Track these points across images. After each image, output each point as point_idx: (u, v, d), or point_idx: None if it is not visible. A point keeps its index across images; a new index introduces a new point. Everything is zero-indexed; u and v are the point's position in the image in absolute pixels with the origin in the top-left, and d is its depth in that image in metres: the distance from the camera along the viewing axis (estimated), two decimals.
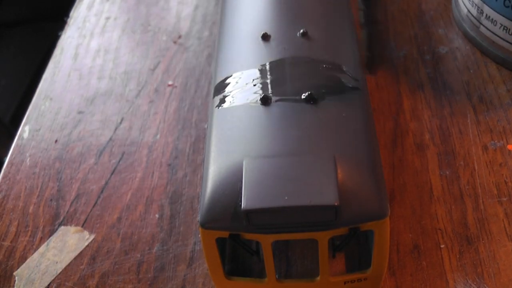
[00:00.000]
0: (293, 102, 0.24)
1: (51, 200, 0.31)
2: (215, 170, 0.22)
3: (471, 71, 0.35)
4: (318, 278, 0.23)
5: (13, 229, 0.30)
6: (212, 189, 0.22)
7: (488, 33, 0.35)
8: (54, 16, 0.54)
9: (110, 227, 0.30)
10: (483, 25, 0.35)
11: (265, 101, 0.24)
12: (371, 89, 0.35)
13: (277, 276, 0.23)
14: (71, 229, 0.30)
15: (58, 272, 0.28)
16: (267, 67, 0.26)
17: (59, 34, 0.42)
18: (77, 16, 0.43)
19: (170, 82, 0.37)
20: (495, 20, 0.34)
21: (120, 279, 0.27)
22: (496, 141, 0.31)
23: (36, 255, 0.29)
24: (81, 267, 0.28)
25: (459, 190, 0.29)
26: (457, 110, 0.33)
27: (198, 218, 0.22)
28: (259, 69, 0.26)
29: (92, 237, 0.29)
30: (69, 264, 0.28)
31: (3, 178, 0.33)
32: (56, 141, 0.34)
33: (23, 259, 0.29)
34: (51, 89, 0.38)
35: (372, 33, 0.32)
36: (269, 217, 0.21)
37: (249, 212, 0.21)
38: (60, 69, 0.39)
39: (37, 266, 0.28)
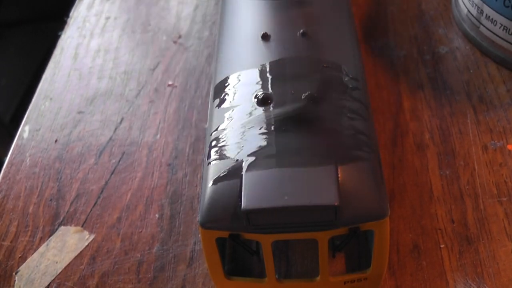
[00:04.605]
0: (293, 102, 0.24)
1: (51, 200, 0.31)
2: (215, 170, 0.22)
3: (471, 71, 0.35)
4: (318, 278, 0.23)
5: (13, 229, 0.30)
6: (212, 189, 0.22)
7: (488, 33, 0.35)
8: (54, 16, 0.54)
9: (110, 227, 0.30)
10: (483, 25, 0.35)
11: (265, 101, 0.24)
12: (371, 89, 0.35)
13: (277, 276, 0.23)
14: (71, 229, 0.30)
15: (58, 272, 0.28)
16: (267, 67, 0.26)
17: (59, 34, 0.42)
18: (77, 16, 0.43)
19: (170, 82, 0.37)
20: (495, 20, 0.34)
21: (120, 279, 0.27)
22: (496, 141, 0.31)
23: (36, 255, 0.29)
24: (81, 267, 0.28)
25: (459, 190, 0.29)
26: (457, 110, 0.33)
27: (198, 218, 0.22)
28: (259, 69, 0.26)
29: (92, 237, 0.29)
30: (69, 264, 0.28)
31: (3, 178, 0.33)
32: (56, 141, 0.34)
33: (23, 259, 0.29)
34: (51, 89, 0.38)
35: None
36: (269, 217, 0.21)
37: (249, 212, 0.21)
38: (60, 69, 0.39)
39: (37, 266, 0.28)
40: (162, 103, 0.36)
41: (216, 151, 0.23)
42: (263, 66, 0.26)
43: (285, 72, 0.25)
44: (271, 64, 0.26)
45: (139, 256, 0.28)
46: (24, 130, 0.35)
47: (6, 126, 0.75)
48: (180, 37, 0.40)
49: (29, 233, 0.30)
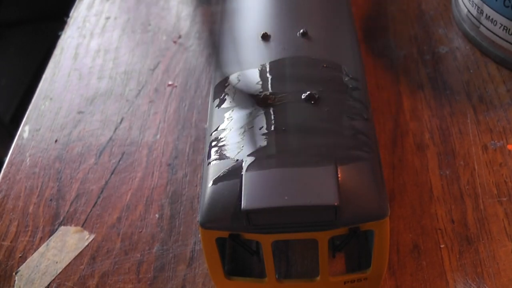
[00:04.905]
0: (293, 102, 0.24)
1: (51, 200, 0.31)
2: (215, 170, 0.22)
3: (471, 71, 0.35)
4: (318, 278, 0.23)
5: (13, 229, 0.30)
6: (212, 189, 0.22)
7: (488, 33, 0.35)
8: (54, 16, 0.54)
9: (110, 227, 0.30)
10: (483, 25, 0.35)
11: (265, 101, 0.24)
12: (371, 89, 0.35)
13: (277, 276, 0.23)
14: (71, 229, 0.30)
15: (58, 272, 0.28)
16: (267, 67, 0.26)
17: (59, 34, 0.42)
18: (77, 16, 0.43)
19: (170, 82, 0.37)
20: (495, 20, 0.34)
21: (120, 279, 0.27)
22: (496, 141, 0.31)
23: (36, 255, 0.29)
24: (81, 267, 0.28)
25: (459, 190, 0.29)
26: (457, 110, 0.33)
27: (198, 218, 0.22)
28: (259, 69, 0.26)
29: (92, 237, 0.29)
30: (69, 264, 0.28)
31: (3, 178, 0.33)
32: (56, 141, 0.34)
33: (23, 259, 0.29)
34: (51, 89, 0.38)
35: None
36: (269, 217, 0.21)
37: (249, 212, 0.21)
38: (60, 69, 0.39)
39: (37, 266, 0.28)
40: (162, 103, 0.36)
41: (216, 151, 0.23)
42: (263, 66, 0.26)
43: (285, 72, 0.25)
44: (271, 64, 0.26)
45: (139, 256, 0.28)
46: (24, 130, 0.35)
47: (6, 126, 0.75)
48: (180, 37, 0.40)
49: (29, 233, 0.30)
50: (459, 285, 0.26)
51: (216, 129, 0.24)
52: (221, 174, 0.22)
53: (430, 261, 0.27)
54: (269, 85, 0.25)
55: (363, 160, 0.22)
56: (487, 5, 0.34)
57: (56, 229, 0.30)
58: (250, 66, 0.26)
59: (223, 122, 0.24)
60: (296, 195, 0.21)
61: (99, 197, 0.31)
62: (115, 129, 0.35)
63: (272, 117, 0.23)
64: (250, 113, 0.24)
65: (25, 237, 0.30)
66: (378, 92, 0.35)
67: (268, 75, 0.25)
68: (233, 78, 0.26)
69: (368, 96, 0.26)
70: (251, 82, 0.25)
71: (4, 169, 0.33)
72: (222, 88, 0.26)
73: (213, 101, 0.26)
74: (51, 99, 0.37)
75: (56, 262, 0.28)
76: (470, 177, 0.30)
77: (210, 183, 0.22)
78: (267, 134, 0.23)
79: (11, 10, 0.89)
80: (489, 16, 0.34)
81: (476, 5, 0.35)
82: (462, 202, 0.29)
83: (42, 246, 0.29)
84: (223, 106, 0.25)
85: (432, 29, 0.39)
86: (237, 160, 0.22)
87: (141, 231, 0.29)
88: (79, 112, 0.36)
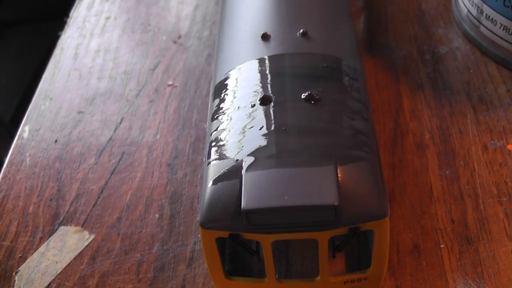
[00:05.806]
0: (293, 102, 0.24)
1: (51, 200, 0.31)
2: (215, 170, 0.22)
3: (471, 71, 0.35)
4: (318, 278, 0.23)
5: (13, 229, 0.30)
6: (212, 189, 0.22)
7: (488, 33, 0.35)
8: (54, 16, 0.54)
9: (110, 227, 0.30)
10: (483, 25, 0.35)
11: (264, 101, 0.24)
12: (371, 89, 0.35)
13: (277, 276, 0.23)
14: (71, 229, 0.30)
15: (58, 272, 0.28)
16: (267, 67, 0.26)
17: (59, 34, 0.42)
18: (77, 16, 0.43)
19: (170, 82, 0.37)
20: (495, 20, 0.34)
21: (120, 279, 0.27)
22: (496, 141, 0.31)
23: (36, 255, 0.29)
24: (81, 267, 0.28)
25: (459, 190, 0.29)
26: (457, 110, 0.33)
27: (198, 218, 0.22)
28: (258, 69, 0.26)
29: (92, 237, 0.29)
30: (69, 264, 0.28)
31: (3, 178, 0.33)
32: (56, 141, 0.34)
33: (23, 259, 0.29)
34: (51, 89, 0.38)
35: (370, 17, 0.39)
36: (269, 217, 0.21)
37: (249, 212, 0.21)
38: (60, 69, 0.39)
39: (37, 266, 0.28)
40: (162, 103, 0.36)
41: (216, 151, 0.23)
42: (263, 66, 0.26)
43: (285, 72, 0.25)
44: (271, 64, 0.26)
45: (139, 256, 0.28)
46: (24, 130, 0.35)
47: (6, 126, 0.75)
48: (180, 37, 0.40)
49: (29, 233, 0.30)
50: (459, 285, 0.26)
51: (216, 129, 0.24)
52: (221, 174, 0.22)
53: (430, 261, 0.27)
54: (269, 85, 0.25)
55: (363, 160, 0.22)
56: (487, 5, 0.34)
57: (56, 229, 0.30)
58: (250, 66, 0.26)
59: (223, 122, 0.24)
60: (296, 195, 0.21)
61: (99, 197, 0.31)
62: (115, 129, 0.35)
63: (272, 117, 0.23)
64: (250, 113, 0.24)
65: (25, 237, 0.30)
66: (378, 92, 0.35)
67: (268, 75, 0.25)
68: (233, 78, 0.26)
69: (368, 96, 0.26)
70: (251, 82, 0.25)
71: (4, 169, 0.33)
72: (222, 88, 0.26)
73: (213, 101, 0.26)
74: (51, 99, 0.37)
75: (56, 262, 0.28)
76: (470, 177, 0.30)
77: (210, 183, 0.22)
78: (267, 134, 0.23)
79: (11, 10, 0.89)
80: (489, 16, 0.34)
81: (476, 5, 0.35)
82: (462, 202, 0.29)
83: (42, 246, 0.29)
84: (223, 106, 0.25)
85: (432, 29, 0.39)
86: (237, 160, 0.22)
87: (141, 231, 0.29)
88: (79, 112, 0.36)
